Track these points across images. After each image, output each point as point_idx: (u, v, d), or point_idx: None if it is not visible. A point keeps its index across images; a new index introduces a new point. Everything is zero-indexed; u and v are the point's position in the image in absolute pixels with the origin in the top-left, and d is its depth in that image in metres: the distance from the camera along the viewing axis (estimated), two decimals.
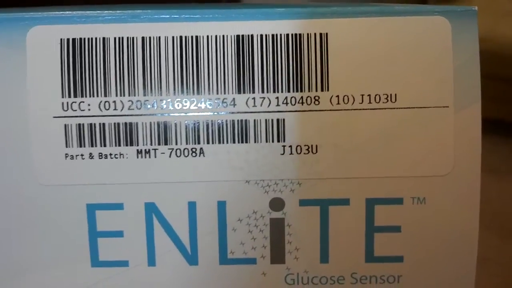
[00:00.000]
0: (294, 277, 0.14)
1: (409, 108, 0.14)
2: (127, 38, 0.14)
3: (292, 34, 0.14)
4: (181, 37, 0.14)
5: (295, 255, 0.14)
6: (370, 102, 0.14)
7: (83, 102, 0.14)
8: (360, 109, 0.14)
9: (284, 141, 0.14)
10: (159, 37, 0.14)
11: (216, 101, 0.14)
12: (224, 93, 0.14)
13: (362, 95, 0.14)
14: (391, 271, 0.14)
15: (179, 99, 0.14)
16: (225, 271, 0.14)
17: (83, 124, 0.14)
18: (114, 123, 0.14)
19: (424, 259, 0.14)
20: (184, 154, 0.14)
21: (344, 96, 0.14)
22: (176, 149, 0.14)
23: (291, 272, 0.14)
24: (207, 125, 0.14)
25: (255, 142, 0.14)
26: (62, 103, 0.14)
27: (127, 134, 0.14)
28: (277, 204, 0.14)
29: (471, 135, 0.14)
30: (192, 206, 0.14)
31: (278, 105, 0.14)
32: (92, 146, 0.14)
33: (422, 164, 0.14)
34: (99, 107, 0.14)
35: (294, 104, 0.14)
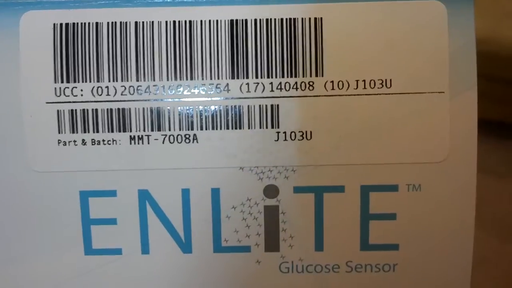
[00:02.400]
0: (289, 265, 0.14)
1: (404, 93, 0.14)
2: (120, 23, 0.13)
3: (286, 19, 0.13)
4: (174, 21, 0.13)
5: (289, 243, 0.14)
6: (365, 88, 0.14)
7: (76, 87, 0.14)
8: (355, 95, 0.14)
9: (278, 127, 0.14)
10: (152, 22, 0.13)
11: (209, 86, 0.14)
12: (218, 78, 0.14)
13: (357, 80, 0.14)
14: (386, 259, 0.14)
15: (173, 85, 0.14)
16: (219, 259, 0.14)
17: (75, 110, 0.14)
18: (107, 109, 0.14)
19: (420, 247, 0.14)
20: (177, 140, 0.14)
21: (339, 81, 0.14)
22: (170, 135, 0.14)
23: (285, 260, 0.14)
24: (201, 111, 0.14)
25: (249, 128, 0.14)
26: (55, 89, 0.14)
27: (120, 120, 0.14)
28: (271, 191, 0.14)
29: (467, 121, 0.14)
30: (185, 193, 0.14)
31: (272, 90, 0.14)
32: (84, 132, 0.14)
33: (417, 151, 0.14)
34: (92, 92, 0.14)
35: (289, 90, 0.14)
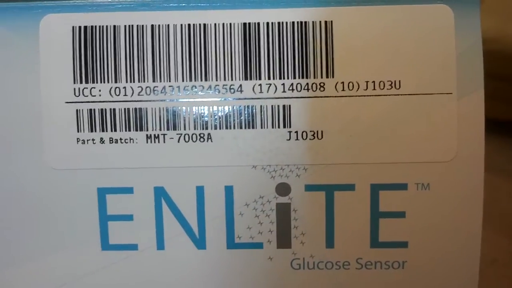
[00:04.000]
0: (300, 262, 0.15)
1: (413, 94, 0.14)
2: (137, 26, 0.14)
3: (297, 22, 0.14)
4: (189, 25, 0.14)
5: (301, 240, 0.15)
6: (374, 89, 0.14)
7: (94, 88, 0.14)
8: (364, 96, 0.14)
9: (290, 126, 0.14)
10: (168, 25, 0.14)
11: (223, 87, 0.14)
12: (231, 79, 0.14)
13: (367, 81, 0.14)
14: (396, 256, 0.14)
15: (188, 85, 0.14)
16: (232, 256, 0.15)
17: (94, 109, 0.14)
18: (124, 109, 0.14)
19: (429, 245, 0.14)
20: (192, 139, 0.14)
21: (349, 82, 0.14)
22: (185, 134, 0.14)
23: (297, 257, 0.15)
24: (215, 111, 0.14)
25: (261, 127, 0.14)
26: (74, 89, 0.14)
27: (137, 119, 0.14)
28: (283, 189, 0.14)
29: (474, 121, 0.14)
30: (200, 190, 0.14)
31: (284, 91, 0.14)
32: (103, 131, 0.14)
33: (425, 150, 0.14)
34: (110, 92, 0.14)
35: (300, 91, 0.14)
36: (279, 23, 0.14)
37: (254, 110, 0.14)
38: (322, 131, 0.14)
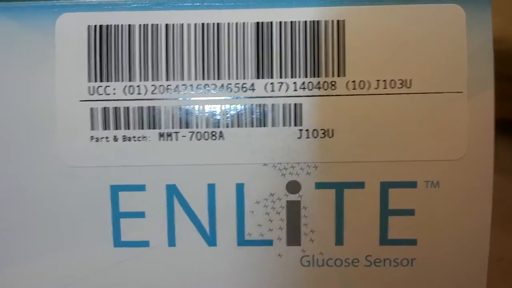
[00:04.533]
0: (310, 259, 0.15)
1: (424, 93, 0.14)
2: (151, 25, 0.14)
3: (310, 21, 0.14)
4: (203, 24, 0.14)
5: (310, 237, 0.15)
6: (385, 87, 0.14)
7: (109, 86, 0.14)
8: (375, 94, 0.14)
9: (301, 125, 0.14)
10: (182, 24, 0.14)
11: (236, 86, 0.14)
12: (244, 78, 0.14)
13: (378, 80, 0.14)
14: (405, 254, 0.15)
15: (200, 84, 0.14)
16: (243, 252, 0.15)
17: (108, 108, 0.14)
18: (138, 107, 0.14)
19: (438, 242, 0.15)
20: (204, 137, 0.14)
21: (360, 81, 0.14)
22: (197, 133, 0.14)
23: (306, 254, 0.15)
24: (227, 110, 0.14)
25: (273, 126, 0.14)
26: (89, 87, 0.14)
27: (150, 118, 0.14)
28: (293, 186, 0.15)
29: (484, 120, 0.14)
30: (211, 188, 0.14)
31: (295, 90, 0.14)
32: (116, 129, 0.14)
33: (435, 148, 0.14)
34: (124, 91, 0.14)
35: (311, 89, 0.14)
36: (291, 22, 0.14)
37: (265, 109, 0.14)
38: (332, 130, 0.14)
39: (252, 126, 0.14)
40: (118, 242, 0.15)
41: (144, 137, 0.14)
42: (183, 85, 0.14)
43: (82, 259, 0.15)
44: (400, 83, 0.14)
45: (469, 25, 0.14)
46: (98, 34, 0.14)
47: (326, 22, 0.14)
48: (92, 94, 0.14)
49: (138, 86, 0.14)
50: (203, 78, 0.14)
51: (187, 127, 0.14)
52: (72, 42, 0.14)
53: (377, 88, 0.14)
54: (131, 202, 0.14)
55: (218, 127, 0.14)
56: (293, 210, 0.15)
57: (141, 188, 0.14)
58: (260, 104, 0.14)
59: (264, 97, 0.14)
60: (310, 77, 0.14)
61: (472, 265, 0.15)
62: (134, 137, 0.14)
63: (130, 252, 0.15)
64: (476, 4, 0.14)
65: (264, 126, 0.14)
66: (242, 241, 0.15)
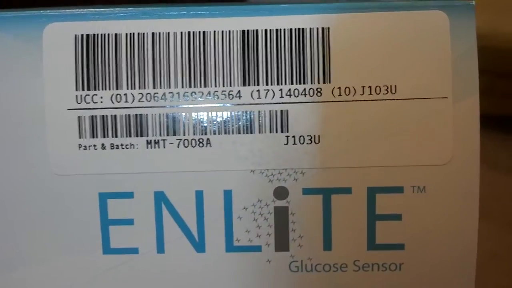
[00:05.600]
0: (298, 264, 0.15)
1: (409, 99, 0.14)
2: (138, 34, 0.14)
3: (295, 29, 0.14)
4: (189, 32, 0.14)
5: (299, 243, 0.15)
6: (370, 94, 0.14)
7: (96, 94, 0.14)
8: (361, 100, 0.14)
9: (287, 131, 0.14)
10: (168, 33, 0.14)
11: (222, 93, 0.14)
12: (230, 85, 0.14)
13: (363, 86, 0.14)
14: (393, 258, 0.15)
15: (187, 92, 0.14)
16: (231, 258, 0.15)
17: (95, 116, 0.14)
18: (125, 115, 0.14)
19: (425, 247, 0.15)
20: (191, 144, 0.14)
21: (346, 87, 0.14)
22: (184, 140, 0.14)
23: (295, 260, 0.15)
24: (214, 117, 0.14)
25: (259, 132, 0.14)
26: (76, 96, 0.14)
27: (137, 125, 0.14)
28: (281, 192, 0.15)
29: (470, 125, 0.14)
30: (199, 194, 0.15)
31: (282, 96, 0.14)
32: (104, 137, 0.14)
33: (421, 154, 0.14)
34: (111, 99, 0.14)
35: (297, 96, 0.14)
36: (277, 30, 0.14)
37: (252, 116, 0.14)
38: (319, 136, 0.14)
39: (239, 133, 0.14)
40: (107, 249, 0.15)
41: (132, 144, 0.14)
42: (170, 93, 0.14)
43: (71, 266, 0.15)
44: (385, 89, 0.14)
45: (453, 31, 0.14)
46: (85, 43, 0.14)
47: (311, 29, 0.14)
48: (79, 103, 0.14)
49: (125, 94, 0.14)
50: (190, 86, 0.14)
51: (174, 134, 0.14)
52: (60, 51, 0.14)
53: (362, 95, 0.14)
54: (120, 209, 0.15)
55: (205, 134, 0.14)
56: (281, 216, 0.15)
57: (129, 195, 0.15)
58: (246, 111, 0.14)
59: (250, 104, 0.14)
60: (296, 84, 0.14)
61: (460, 269, 0.15)
62: (121, 145, 0.14)
63: (119, 259, 0.15)
64: (459, 11, 0.14)
65: (251, 133, 0.14)
66: (230, 247, 0.15)
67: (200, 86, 0.14)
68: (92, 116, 0.14)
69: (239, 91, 0.14)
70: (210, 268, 0.15)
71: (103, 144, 0.14)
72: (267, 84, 0.14)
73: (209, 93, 0.14)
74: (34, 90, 0.14)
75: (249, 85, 0.14)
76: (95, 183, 0.14)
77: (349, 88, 0.14)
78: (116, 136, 0.14)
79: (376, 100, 0.14)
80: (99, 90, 0.14)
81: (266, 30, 0.14)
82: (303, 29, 0.14)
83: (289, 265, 0.15)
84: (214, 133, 0.14)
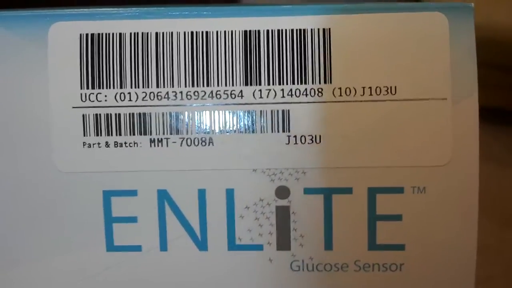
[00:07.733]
0: (299, 264, 0.15)
1: (409, 100, 0.14)
2: (142, 33, 0.14)
3: (297, 30, 0.14)
4: (192, 32, 0.14)
5: (300, 242, 0.15)
6: (371, 94, 0.14)
7: (100, 93, 0.14)
8: (361, 101, 0.14)
9: (289, 131, 0.14)
10: (172, 32, 0.14)
11: (224, 92, 0.14)
12: (232, 85, 0.14)
13: (363, 87, 0.14)
14: (393, 259, 0.15)
15: (190, 91, 0.14)
16: (233, 257, 0.15)
17: (100, 114, 0.15)
18: (129, 113, 0.14)
19: (425, 247, 0.15)
20: (194, 143, 0.15)
21: (346, 88, 0.14)
22: (187, 139, 0.15)
23: (296, 259, 0.15)
24: (216, 116, 0.15)
25: (261, 132, 0.14)
26: (81, 94, 0.14)
27: (141, 124, 0.15)
28: (282, 192, 0.15)
29: (469, 126, 0.14)
30: (202, 193, 0.15)
31: (283, 96, 0.14)
32: (108, 135, 0.15)
33: (421, 154, 0.14)
34: (115, 98, 0.14)
35: (299, 96, 0.14)
36: (279, 30, 0.14)
37: (254, 115, 0.14)
38: (320, 136, 0.14)
39: (241, 133, 0.14)
40: (110, 246, 0.15)
41: (136, 143, 0.15)
42: (173, 92, 0.14)
43: (75, 263, 0.15)
44: (386, 90, 0.14)
45: (452, 32, 0.14)
46: (90, 42, 0.14)
47: (312, 30, 0.14)
48: (84, 101, 0.14)
49: (129, 93, 0.14)
50: (193, 85, 0.14)
51: (177, 133, 0.15)
52: (65, 50, 0.14)
53: (362, 95, 0.14)
54: (123, 207, 0.15)
55: (208, 133, 0.15)
56: (283, 215, 0.15)
57: (133, 193, 0.15)
58: (248, 111, 0.14)
59: (252, 103, 0.14)
60: (297, 84, 0.14)
61: (460, 269, 0.15)
62: (125, 143, 0.15)
63: (123, 256, 0.15)
64: (458, 13, 0.14)
65: (253, 132, 0.14)
66: (232, 245, 0.15)
67: (203, 86, 0.14)
68: (97, 114, 0.15)
69: (241, 91, 0.14)
70: (212, 266, 0.15)
71: (107, 142, 0.15)
72: (269, 84, 0.14)
73: (211, 92, 0.14)
74: (39, 88, 0.14)
75: (251, 85, 0.14)
76: (99, 181, 0.15)
77: (349, 88, 0.14)
78: (120, 134, 0.15)
79: (377, 100, 0.14)
80: (103, 88, 0.14)
81: (268, 31, 0.14)
82: (304, 29, 0.14)
83: (291, 264, 0.15)
84: (217, 133, 0.15)
